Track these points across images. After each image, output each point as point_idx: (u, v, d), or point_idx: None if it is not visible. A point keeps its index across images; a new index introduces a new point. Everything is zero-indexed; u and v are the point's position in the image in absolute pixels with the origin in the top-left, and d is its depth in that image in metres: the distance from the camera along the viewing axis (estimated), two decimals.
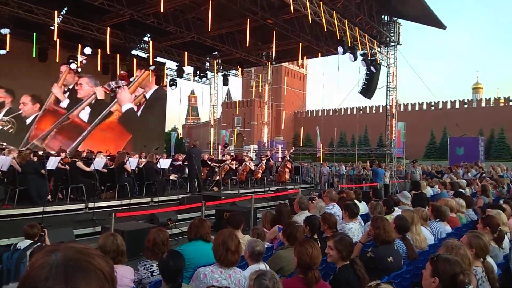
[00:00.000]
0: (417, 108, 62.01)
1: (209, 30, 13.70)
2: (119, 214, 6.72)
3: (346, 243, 3.12)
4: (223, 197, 10.06)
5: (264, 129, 24.96)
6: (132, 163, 10.60)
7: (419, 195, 7.16)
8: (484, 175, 13.94)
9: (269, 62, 22.92)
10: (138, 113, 21.95)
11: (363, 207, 7.10)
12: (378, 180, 14.43)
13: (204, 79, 22.73)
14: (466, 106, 58.01)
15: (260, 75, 24.31)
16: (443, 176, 14.24)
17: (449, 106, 59.00)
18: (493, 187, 9.93)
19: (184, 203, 9.11)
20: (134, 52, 18.54)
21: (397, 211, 5.46)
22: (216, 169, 13.82)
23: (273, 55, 21.90)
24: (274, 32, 16.39)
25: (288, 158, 16.75)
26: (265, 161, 16.14)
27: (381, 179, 14.57)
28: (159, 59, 19.75)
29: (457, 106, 58.57)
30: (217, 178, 13.25)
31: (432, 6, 15.88)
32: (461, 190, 8.40)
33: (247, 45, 15.65)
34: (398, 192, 11.44)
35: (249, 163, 15.29)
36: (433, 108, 59.40)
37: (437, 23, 17.25)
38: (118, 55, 16.67)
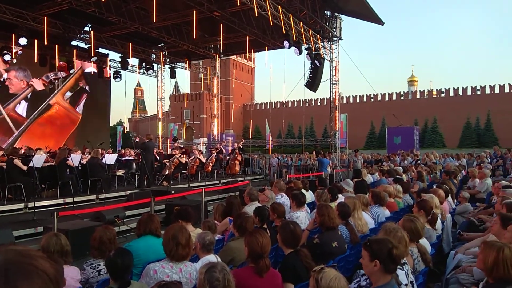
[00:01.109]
0: (358, 100, 64.90)
1: (154, 21, 13.34)
2: (62, 213, 6.41)
3: (287, 229, 3.29)
4: (173, 192, 9.93)
5: (213, 122, 24.84)
6: (74, 159, 10.12)
7: (361, 182, 7.55)
8: (419, 162, 14.98)
9: (217, 55, 22.78)
10: (80, 107, 20.87)
11: (309, 196, 7.39)
12: (323, 170, 14.99)
13: (151, 71, 22.10)
14: (402, 98, 61.70)
15: (209, 68, 24.10)
16: (382, 164, 15.13)
17: (387, 98, 62.40)
18: (427, 173, 10.74)
19: (132, 199, 8.88)
20: (74, 42, 17.59)
21: (341, 198, 5.76)
22: (166, 164, 13.59)
23: (221, 48, 21.79)
24: (221, 25, 16.31)
25: (238, 150, 16.86)
26: (215, 154, 16.12)
27: (326, 168, 15.15)
28: (101, 50, 18.88)
29: (394, 98, 62.11)
30: (167, 172, 13.04)
31: (371, 2, 16.66)
32: (398, 176, 8.99)
33: (194, 37, 15.42)
34: (342, 180, 11.99)
35: (199, 156, 15.20)
36: (372, 100, 62.50)
37: (375, 19, 18.11)
38: (56, 46, 15.74)
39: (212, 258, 3.21)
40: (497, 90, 54.01)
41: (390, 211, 5.85)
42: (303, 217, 5.03)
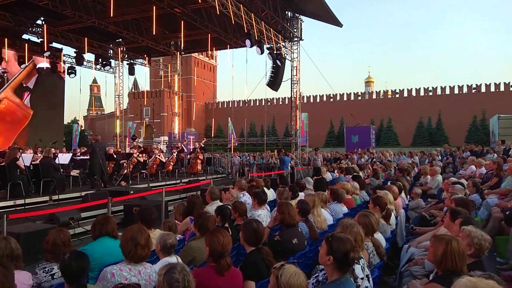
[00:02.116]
0: (318, 100, 66.30)
1: (112, 15, 12.91)
2: (12, 215, 6.06)
3: (249, 227, 3.31)
4: (131, 192, 9.67)
5: (174, 121, 24.44)
6: (25, 159, 9.58)
7: (320, 180, 7.74)
8: (375, 160, 15.55)
9: (178, 52, 22.41)
10: (26, 102, 19.76)
11: (271, 194, 7.47)
12: (284, 168, 15.19)
13: (108, 67, 21.32)
14: (360, 98, 63.78)
15: (169, 65, 23.67)
16: (341, 162, 15.57)
17: (345, 98, 64.24)
18: (382, 170, 11.18)
19: (88, 200, 8.54)
20: (25, 36, 16.65)
21: (301, 196, 5.87)
22: (124, 163, 13.20)
23: (182, 45, 21.47)
24: (182, 22, 16.07)
25: (200, 149, 16.70)
26: (176, 153, 15.86)
27: (288, 166, 15.36)
28: (55, 44, 18.00)
29: (352, 98, 64.06)
30: (125, 172, 12.66)
31: (330, 5, 17.07)
32: (355, 174, 9.29)
33: (154, 33, 15.09)
34: (302, 178, 12.21)
35: (159, 155, 14.89)
36: (331, 100, 64.09)
37: (334, 21, 18.56)
38: (6, 39, 14.84)
39: (172, 259, 3.16)
40: (447, 91, 57.14)
41: (348, 208, 6.03)
42: (264, 215, 5.08)
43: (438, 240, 2.75)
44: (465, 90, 55.93)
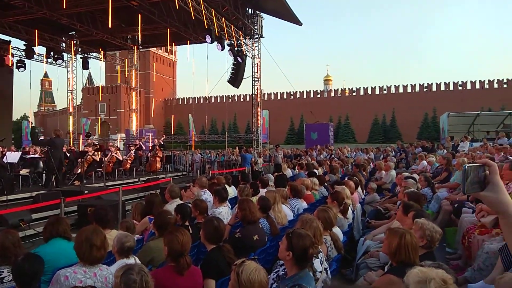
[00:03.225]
0: (279, 97, 66.99)
1: (64, 7, 12.31)
2: None
3: (210, 225, 3.29)
4: (86, 191, 9.29)
5: (132, 117, 23.75)
6: None
7: (281, 176, 7.82)
8: (333, 156, 15.96)
9: (136, 46, 21.78)
10: None
11: (232, 191, 7.45)
12: (246, 165, 15.21)
13: (60, 61, 20.34)
14: (319, 96, 65.17)
15: (126, 60, 22.95)
16: (301, 158, 15.84)
17: (305, 96, 65.39)
18: (340, 166, 11.50)
19: (39, 200, 8.10)
20: None
21: (262, 192, 5.91)
22: (78, 162, 12.64)
23: (140, 39, 20.87)
24: (140, 15, 15.60)
25: (159, 146, 16.34)
26: (134, 150, 15.41)
27: (249, 163, 15.39)
28: (2, 36, 16.98)
29: (311, 96, 65.32)
30: (79, 171, 12.13)
31: (290, 3, 17.27)
32: (314, 170, 9.48)
33: (110, 26, 14.54)
34: (264, 174, 12.29)
35: (116, 153, 14.40)
36: (292, 97, 65.01)
37: (294, 19, 18.82)
38: None
39: (129, 261, 3.07)
40: (401, 90, 59.71)
41: (308, 203, 6.15)
42: (225, 213, 5.06)
43: (393, 234, 2.86)
44: (417, 89, 58.72)
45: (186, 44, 19.78)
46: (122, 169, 14.49)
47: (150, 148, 17.97)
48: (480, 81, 54.95)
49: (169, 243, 2.85)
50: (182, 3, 12.89)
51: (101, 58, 21.61)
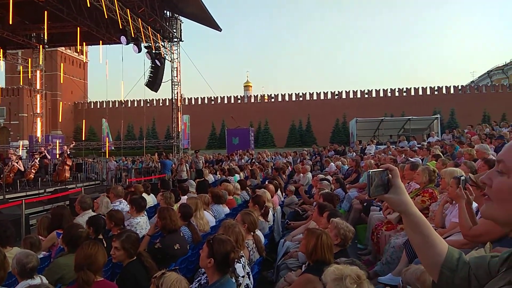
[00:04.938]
0: (199, 102, 66.49)
1: None
2: None
3: (133, 239, 3.10)
4: None
5: (36, 122, 21.61)
6: None
7: (202, 182, 7.75)
8: (254, 160, 16.28)
9: (41, 45, 19.93)
10: None
11: (151, 199, 7.18)
12: (166, 171, 14.79)
13: None
14: (239, 101, 66.10)
15: (30, 59, 20.84)
16: (223, 164, 15.87)
17: (226, 101, 65.84)
18: (260, 170, 11.76)
19: None
20: None
21: (183, 199, 5.78)
22: None
23: (46, 38, 19.15)
24: (46, 12, 14.32)
25: (68, 154, 15.10)
26: (38, 158, 14.03)
27: (169, 170, 14.99)
28: None
29: (232, 101, 66.00)
30: None
31: (210, 9, 17.29)
32: (236, 174, 9.57)
33: (11, 22, 13.09)
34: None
35: (17, 162, 12.98)
36: (213, 102, 64.99)
37: (213, 25, 18.85)
38: None
39: (34, 281, 2.77)
40: (315, 97, 63.23)
41: (230, 208, 6.17)
42: (143, 222, 4.85)
43: (310, 234, 3.00)
44: (329, 96, 62.69)
45: (99, 44, 18.63)
46: (25, 179, 13.09)
47: (57, 156, 16.52)
48: (383, 89, 60.57)
49: (79, 258, 2.64)
50: (94, 1, 12.14)
51: (0, 57, 19.38)
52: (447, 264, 1.06)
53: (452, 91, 56.05)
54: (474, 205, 3.12)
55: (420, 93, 58.06)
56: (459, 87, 56.52)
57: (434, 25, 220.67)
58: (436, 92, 56.80)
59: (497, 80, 60.06)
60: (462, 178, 3.15)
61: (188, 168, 14.74)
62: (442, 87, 56.92)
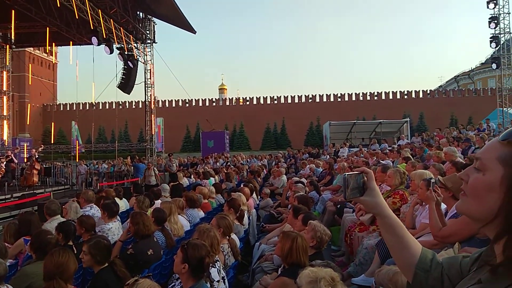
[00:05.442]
0: (174, 105, 65.76)
1: None
2: None
3: (101, 246, 3.01)
4: None
5: (3, 125, 20.75)
6: None
7: (177, 186, 7.68)
8: (229, 163, 16.25)
9: (8, 45, 19.19)
10: None
11: (124, 204, 7.03)
12: (139, 175, 14.51)
13: None
14: (214, 104, 65.83)
15: None
16: (197, 167, 15.74)
17: (200, 104, 65.40)
18: (236, 173, 11.74)
19: None
20: None
21: (157, 204, 5.69)
22: None
23: (13, 38, 18.45)
24: (13, 11, 13.81)
25: (36, 158, 14.58)
26: (5, 162, 13.51)
27: (142, 173, 14.72)
28: None
29: (207, 104, 65.66)
30: None
31: (184, 11, 17.14)
32: (211, 178, 9.51)
33: None
34: (159, 185, 11.88)
35: None
36: (187, 105, 64.43)
37: (187, 27, 18.68)
38: None
39: None
40: (289, 101, 63.79)
41: (205, 212, 6.12)
42: (116, 228, 4.73)
43: (286, 237, 3.01)
44: (303, 99, 63.41)
45: (69, 45, 18.12)
46: None
47: (25, 160, 15.92)
48: (355, 93, 61.85)
49: (48, 266, 2.55)
50: (64, 1, 11.81)
51: None
52: (421, 265, 1.09)
53: (421, 95, 57.90)
54: (443, 206, 3.23)
55: (391, 97, 59.68)
56: (428, 92, 58.46)
57: (404, 31, 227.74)
58: (406, 96, 58.48)
59: (463, 85, 62.66)
60: (432, 180, 3.24)
61: (156, 173, 13.99)
62: (411, 91, 58.68)
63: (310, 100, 63.35)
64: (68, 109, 65.99)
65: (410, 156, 7.99)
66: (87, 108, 60.46)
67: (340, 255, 5.28)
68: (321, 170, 10.76)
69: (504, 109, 19.72)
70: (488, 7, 18.72)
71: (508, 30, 18.86)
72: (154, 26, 18.34)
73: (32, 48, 56.58)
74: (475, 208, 0.84)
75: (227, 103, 66.55)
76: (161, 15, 18.13)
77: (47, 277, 2.54)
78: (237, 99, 66.96)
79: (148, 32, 17.96)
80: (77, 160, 19.59)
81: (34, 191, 12.61)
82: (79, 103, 61.30)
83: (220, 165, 16.14)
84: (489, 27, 18.78)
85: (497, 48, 19.76)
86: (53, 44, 18.97)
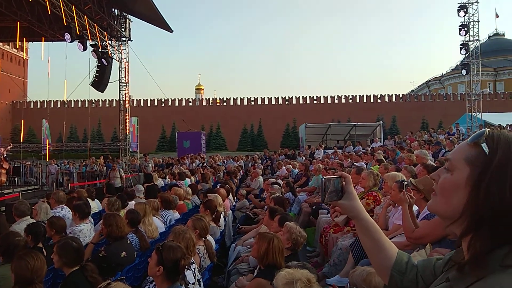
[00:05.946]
0: (149, 104, 64.77)
1: None
2: None
3: (70, 249, 2.91)
4: None
5: None
6: None
7: (151, 187, 7.56)
8: (205, 164, 16.14)
9: None
10: None
11: (96, 205, 6.86)
12: None
13: None
14: (190, 104, 65.26)
15: None
16: (173, 167, 15.56)
17: (176, 104, 64.70)
18: (212, 174, 11.68)
19: None
20: None
21: (131, 205, 5.58)
22: None
23: None
24: None
25: (4, 156, 14.03)
26: None
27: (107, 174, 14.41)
28: None
29: (183, 104, 65.00)
30: None
31: (161, 9, 16.88)
32: (187, 179, 9.42)
33: None
34: (133, 185, 11.66)
35: None
36: (163, 105, 63.60)
37: (164, 26, 18.39)
38: None
39: None
40: (266, 102, 64.05)
41: (180, 213, 6.05)
42: (87, 230, 4.61)
43: (262, 238, 3.02)
44: (280, 101, 63.82)
45: (40, 41, 17.53)
46: None
47: None
48: (331, 96, 62.76)
49: (16, 270, 2.45)
50: None
51: None
52: (397, 267, 1.12)
53: (394, 99, 59.41)
54: (415, 208, 3.32)
55: (365, 100, 60.95)
56: (400, 96, 60.05)
57: (379, 36, 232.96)
58: (379, 100, 59.88)
59: (434, 89, 64.77)
60: (405, 182, 3.33)
61: (122, 174, 13.35)
62: (385, 95, 60.12)
63: (286, 102, 63.86)
64: (38, 106, 63.93)
65: (383, 159, 8.18)
66: (59, 106, 58.61)
67: (315, 256, 5.33)
68: (297, 171, 10.86)
69: (473, 114, 20.47)
70: (458, 15, 19.41)
71: (477, 37, 19.61)
72: (129, 23, 18.00)
73: (1, 44, 54.53)
74: (443, 206, 0.88)
75: (204, 103, 66.14)
76: (137, 12, 17.79)
77: (23, 281, 2.44)
78: (214, 100, 66.66)
79: (123, 29, 17.61)
80: (47, 159, 18.98)
81: (2, 191, 12.15)
82: (50, 101, 59.41)
83: (196, 166, 16.01)
84: (460, 34, 19.47)
85: (466, 55, 20.52)
86: (24, 39, 18.32)
